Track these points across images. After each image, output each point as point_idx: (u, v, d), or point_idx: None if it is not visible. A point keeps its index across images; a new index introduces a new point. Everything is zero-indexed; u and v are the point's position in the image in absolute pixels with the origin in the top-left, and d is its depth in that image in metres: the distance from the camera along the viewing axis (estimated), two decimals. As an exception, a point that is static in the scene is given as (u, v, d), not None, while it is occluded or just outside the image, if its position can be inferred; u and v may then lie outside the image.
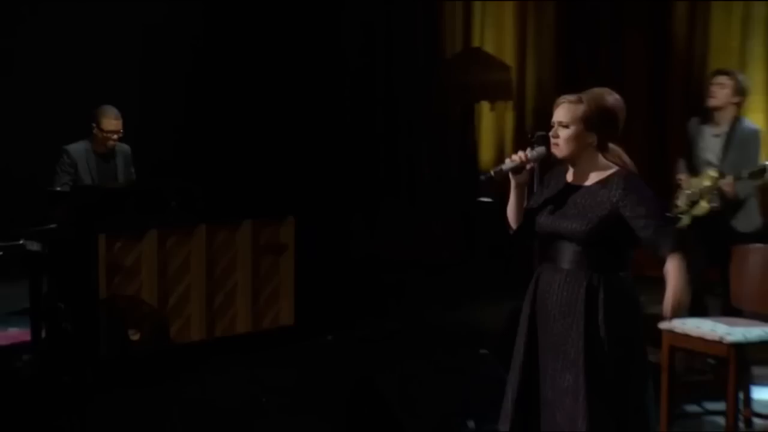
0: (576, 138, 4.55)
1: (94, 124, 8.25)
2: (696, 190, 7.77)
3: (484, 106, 12.51)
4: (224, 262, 8.14)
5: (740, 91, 7.97)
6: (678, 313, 4.49)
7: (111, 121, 8.25)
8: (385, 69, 13.81)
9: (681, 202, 7.80)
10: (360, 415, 6.85)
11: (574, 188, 4.63)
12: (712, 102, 7.96)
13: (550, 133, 4.60)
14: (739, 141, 7.86)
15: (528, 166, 4.74)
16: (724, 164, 7.71)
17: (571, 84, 12.25)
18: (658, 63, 12.17)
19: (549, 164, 5.05)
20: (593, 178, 4.60)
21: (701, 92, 9.38)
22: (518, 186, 4.75)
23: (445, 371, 7.02)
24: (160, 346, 7.77)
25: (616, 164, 4.58)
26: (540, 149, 4.70)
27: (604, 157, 4.62)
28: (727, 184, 7.60)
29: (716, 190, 7.58)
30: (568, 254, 4.56)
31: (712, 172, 7.65)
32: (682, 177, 8.08)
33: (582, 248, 4.47)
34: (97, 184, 8.45)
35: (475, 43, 13.07)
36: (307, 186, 10.70)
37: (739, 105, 8.11)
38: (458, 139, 13.19)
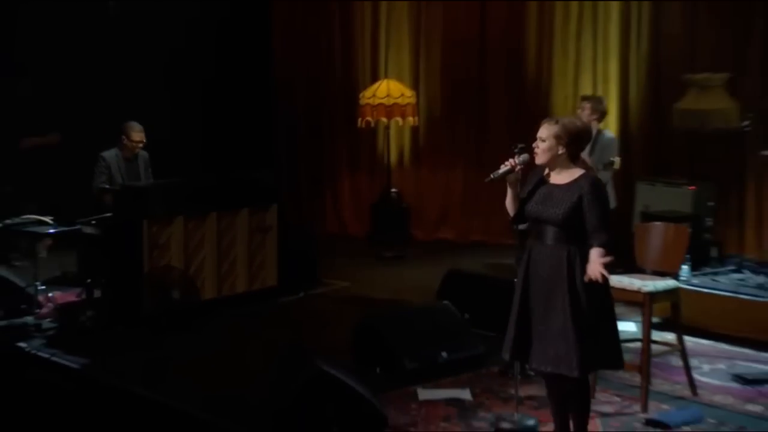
0: (550, 150, 6.04)
1: (123, 136, 9.89)
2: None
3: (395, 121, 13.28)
4: (228, 239, 9.87)
5: (597, 111, 10.41)
6: (596, 277, 5.94)
7: (137, 133, 9.91)
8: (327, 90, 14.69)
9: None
10: (363, 348, 8.67)
11: (553, 186, 6.11)
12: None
13: (533, 145, 6.11)
14: (600, 146, 10.14)
15: (517, 169, 6.17)
16: (591, 160, 9.78)
17: (453, 103, 13.75)
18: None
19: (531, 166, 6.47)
20: (566, 178, 6.06)
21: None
22: (512, 184, 6.14)
23: (410, 318, 8.90)
24: (193, 303, 9.40)
25: (586, 167, 6.39)
26: (525, 156, 6.16)
27: (574, 164, 6.13)
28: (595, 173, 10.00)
29: None
30: (551, 234, 6.04)
31: None
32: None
33: (560, 229, 5.95)
34: (131, 183, 10.00)
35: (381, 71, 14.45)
36: (282, 182, 12.48)
37: (599, 120, 10.50)
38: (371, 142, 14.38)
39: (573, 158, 6.16)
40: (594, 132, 9.98)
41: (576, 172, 6.14)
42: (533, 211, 6.18)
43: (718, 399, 7.71)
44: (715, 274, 9.98)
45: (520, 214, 6.29)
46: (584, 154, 9.63)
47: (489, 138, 13.76)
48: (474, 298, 9.25)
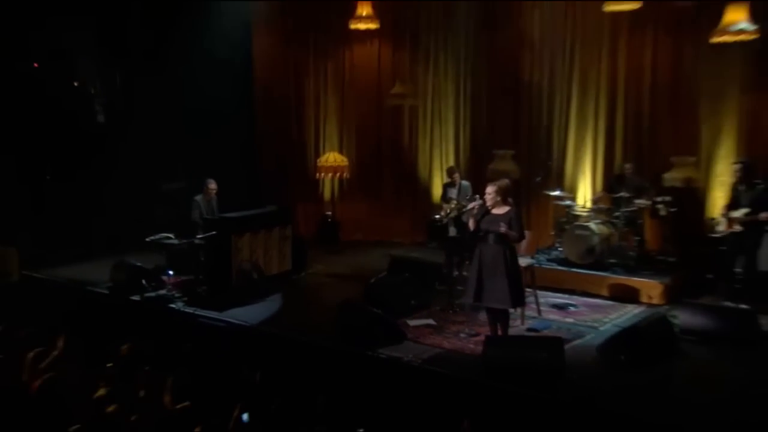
0: (494, 198, 7.94)
1: (205, 187, 11.22)
2: (451, 208, 10.51)
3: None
4: (269, 244, 11.38)
5: (450, 171, 11.61)
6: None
7: (212, 185, 11.24)
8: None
9: (444, 212, 10.83)
10: (374, 299, 9.77)
11: (494, 214, 8.00)
12: (450, 176, 11.47)
13: (484, 195, 8.04)
14: (461, 189, 11.22)
15: (477, 207, 8.16)
16: (458, 198, 10.76)
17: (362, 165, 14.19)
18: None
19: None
20: (503, 210, 7.97)
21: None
22: (474, 215, 8.15)
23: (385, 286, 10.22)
24: (261, 279, 10.69)
25: (510, 205, 8.06)
26: (481, 201, 8.21)
27: (506, 203, 8.00)
28: (460, 207, 10.19)
29: (457, 209, 10.33)
30: (493, 238, 8.02)
31: (454, 203, 10.64)
32: (449, 204, 10.86)
33: (499, 236, 7.93)
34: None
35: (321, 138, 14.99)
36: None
37: (460, 175, 11.47)
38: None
39: (504, 200, 8.18)
40: (458, 181, 11.49)
41: (507, 207, 8.19)
42: (485, 227, 8.22)
43: (552, 317, 9.92)
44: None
45: (477, 228, 8.34)
46: (454, 195, 11.10)
47: (383, 186, 14.87)
48: (408, 270, 10.93)
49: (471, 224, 8.20)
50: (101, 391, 5.93)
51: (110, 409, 5.52)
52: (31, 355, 6.43)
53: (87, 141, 13.20)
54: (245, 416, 5.71)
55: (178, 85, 13.27)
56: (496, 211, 7.83)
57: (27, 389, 5.91)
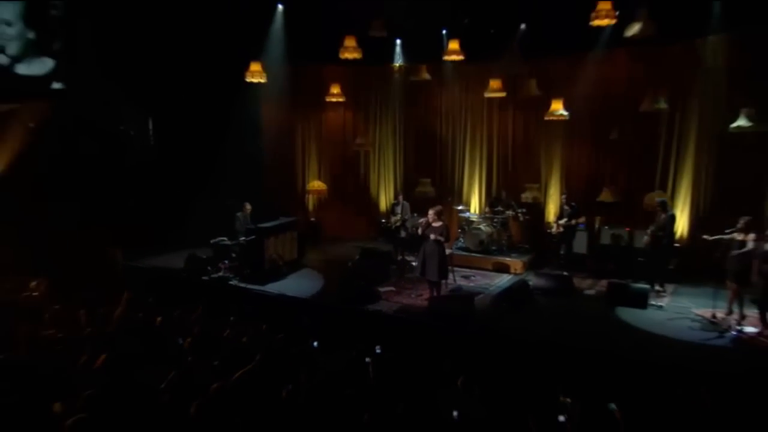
0: (433, 217, 8.62)
1: (243, 206, 11.27)
2: (397, 219, 11.49)
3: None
4: (287, 242, 11.48)
5: (396, 195, 11.86)
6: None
7: (248, 207, 11.30)
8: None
9: (393, 222, 11.61)
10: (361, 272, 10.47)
11: (434, 226, 8.58)
12: (396, 198, 11.70)
13: (427, 215, 8.70)
14: (403, 207, 11.51)
15: (424, 223, 8.68)
16: (401, 213, 11.35)
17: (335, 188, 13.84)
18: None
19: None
20: (438, 224, 8.59)
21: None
22: (422, 226, 8.69)
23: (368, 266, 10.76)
24: (283, 264, 11.03)
25: (443, 221, 8.77)
26: (426, 219, 8.73)
27: (440, 219, 8.64)
28: (403, 220, 11.30)
29: (401, 221, 11.42)
30: (432, 239, 8.62)
31: (398, 216, 11.38)
32: (396, 216, 11.50)
33: (437, 237, 8.59)
34: (249, 225, 10.95)
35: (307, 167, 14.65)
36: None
37: (402, 197, 11.65)
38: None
39: (438, 218, 8.78)
40: (401, 200, 11.70)
41: (440, 222, 8.78)
42: (427, 233, 8.79)
43: (462, 283, 10.35)
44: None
45: (423, 234, 8.86)
46: (400, 213, 11.40)
47: (348, 201, 14.76)
48: (372, 256, 11.41)
49: (419, 231, 9.04)
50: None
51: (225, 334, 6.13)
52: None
53: (141, 171, 12.46)
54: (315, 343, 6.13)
55: (209, 132, 12.62)
56: (434, 224, 8.85)
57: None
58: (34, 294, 7.76)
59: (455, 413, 4.57)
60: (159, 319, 6.79)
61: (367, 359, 5.78)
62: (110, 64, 11.39)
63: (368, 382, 5.32)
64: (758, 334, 7.77)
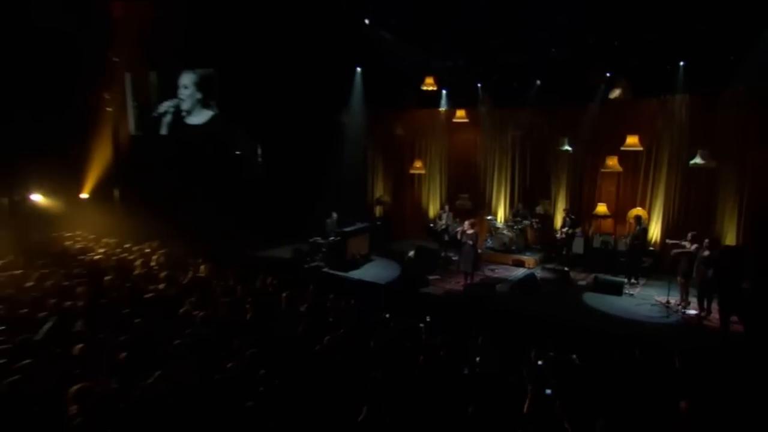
0: (468, 226, 8.61)
1: (331, 215, 11.73)
2: (441, 225, 11.61)
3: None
4: (360, 241, 11.43)
5: (442, 206, 11.91)
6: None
7: (335, 215, 11.72)
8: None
9: (438, 226, 11.91)
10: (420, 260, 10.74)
11: (469, 234, 8.55)
12: (442, 208, 11.92)
13: (464, 224, 8.80)
14: (447, 215, 11.96)
15: (462, 230, 8.73)
16: (446, 221, 11.70)
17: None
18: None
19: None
20: (471, 231, 8.55)
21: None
22: (460, 232, 8.75)
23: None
24: (359, 258, 11.27)
25: (475, 230, 8.77)
26: (463, 227, 8.80)
27: (473, 228, 8.54)
28: (447, 226, 11.52)
29: (444, 226, 11.68)
30: (469, 243, 8.78)
31: (443, 223, 11.78)
32: (441, 222, 11.91)
33: (470, 241, 8.71)
34: (336, 229, 11.38)
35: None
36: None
37: (447, 207, 12.11)
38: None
39: (472, 228, 8.72)
40: (446, 212, 12.14)
41: (473, 230, 8.71)
42: (464, 240, 8.84)
43: (488, 273, 10.43)
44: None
45: (460, 238, 8.94)
46: (444, 217, 11.70)
47: (406, 209, 14.74)
48: (424, 251, 11.55)
49: (458, 236, 9.66)
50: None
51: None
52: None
53: (253, 186, 12.66)
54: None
55: (306, 159, 12.93)
56: (468, 231, 9.36)
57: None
58: (202, 275, 8.27)
59: (477, 359, 5.45)
60: (284, 295, 7.41)
61: (420, 324, 6.57)
62: (241, 111, 12.40)
63: (421, 339, 6.06)
64: (696, 315, 8.38)
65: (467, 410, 4.01)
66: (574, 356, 5.50)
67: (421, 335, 6.24)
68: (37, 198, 11.80)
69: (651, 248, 10.71)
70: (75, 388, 3.87)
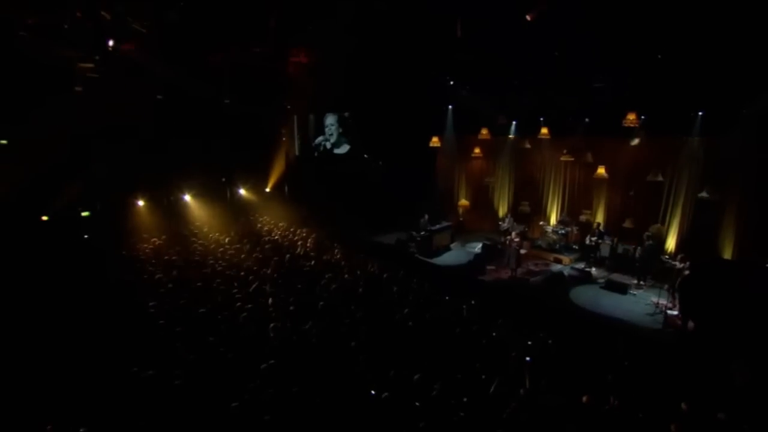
0: (517, 234, 9.44)
1: (422, 216, 12.04)
2: (505, 227, 12.12)
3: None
4: (442, 237, 12.25)
5: (506, 212, 12.49)
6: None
7: (426, 217, 11.99)
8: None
9: (503, 227, 12.29)
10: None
11: (515, 240, 9.26)
12: (506, 212, 12.28)
13: (512, 235, 9.59)
14: (510, 219, 12.51)
15: (510, 239, 9.42)
16: (508, 223, 12.19)
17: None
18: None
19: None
20: (518, 238, 9.29)
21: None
22: (511, 240, 9.43)
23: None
24: (441, 248, 12.29)
25: (520, 238, 9.57)
26: (512, 236, 9.65)
27: (518, 236, 9.22)
28: (509, 228, 11.97)
29: (507, 228, 12.22)
30: (514, 245, 9.38)
31: (506, 225, 12.43)
32: (504, 223, 12.43)
33: (516, 246, 9.35)
34: (426, 228, 11.96)
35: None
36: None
37: (509, 212, 12.82)
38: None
39: (517, 235, 8.91)
40: (509, 216, 12.83)
41: (518, 237, 9.09)
42: (513, 245, 9.16)
43: (532, 268, 10.72)
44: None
45: (511, 242, 9.31)
46: (506, 220, 12.33)
47: (480, 212, 14.81)
48: (489, 247, 11.92)
49: (508, 242, 10.57)
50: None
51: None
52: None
53: (373, 190, 13.77)
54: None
55: (410, 173, 13.72)
56: (515, 239, 10.30)
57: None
58: (337, 257, 9.53)
59: (494, 334, 6.77)
60: (384, 276, 8.40)
61: (464, 306, 7.44)
62: (368, 142, 14.26)
63: (463, 315, 7.05)
64: (676, 315, 8.74)
65: (475, 367, 5.49)
66: (549, 341, 6.69)
67: (463, 313, 7.34)
68: (241, 192, 14.88)
69: (665, 256, 10.66)
70: (271, 325, 6.11)
